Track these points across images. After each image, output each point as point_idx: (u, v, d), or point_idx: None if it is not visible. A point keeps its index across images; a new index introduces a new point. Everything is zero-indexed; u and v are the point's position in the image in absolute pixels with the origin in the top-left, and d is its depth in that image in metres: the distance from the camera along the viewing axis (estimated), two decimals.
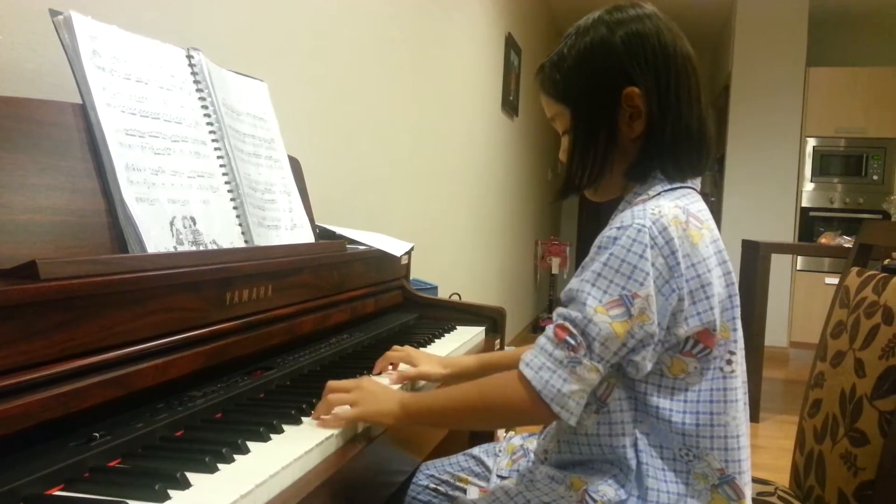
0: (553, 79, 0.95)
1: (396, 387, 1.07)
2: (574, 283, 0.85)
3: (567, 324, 0.83)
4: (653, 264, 0.82)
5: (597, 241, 0.86)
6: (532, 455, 1.08)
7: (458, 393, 0.94)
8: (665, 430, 0.87)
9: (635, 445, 0.88)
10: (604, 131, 0.91)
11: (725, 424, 0.87)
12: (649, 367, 0.85)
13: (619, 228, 0.84)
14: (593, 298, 0.82)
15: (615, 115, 0.90)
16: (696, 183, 0.94)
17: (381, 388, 0.95)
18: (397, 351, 1.17)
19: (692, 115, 0.91)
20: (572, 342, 0.82)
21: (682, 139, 0.90)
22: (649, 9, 0.93)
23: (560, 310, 0.85)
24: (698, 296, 0.84)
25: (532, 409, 0.83)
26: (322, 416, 0.88)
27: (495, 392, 0.88)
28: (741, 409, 0.89)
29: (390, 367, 1.16)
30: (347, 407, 0.89)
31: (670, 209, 0.85)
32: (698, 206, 0.89)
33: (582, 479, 0.90)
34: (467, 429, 1.19)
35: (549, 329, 0.85)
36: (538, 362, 0.83)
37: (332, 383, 0.93)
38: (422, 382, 1.16)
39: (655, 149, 0.90)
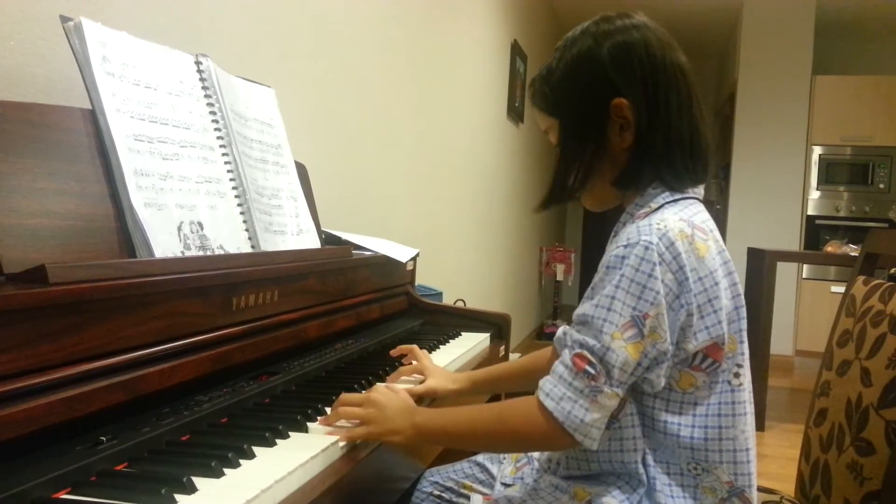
0: (543, 92, 0.96)
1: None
2: (588, 309, 0.84)
3: (585, 352, 0.82)
4: (662, 281, 0.81)
5: (605, 261, 0.85)
6: (536, 463, 1.08)
7: (475, 416, 0.92)
8: (672, 445, 0.87)
9: (644, 460, 0.88)
10: (592, 142, 0.91)
11: (734, 438, 0.86)
12: (663, 382, 0.85)
13: (626, 247, 0.83)
14: (609, 324, 0.81)
15: (604, 126, 0.90)
16: (699, 192, 0.93)
17: (394, 406, 0.92)
18: (411, 362, 1.17)
19: (683, 125, 0.90)
20: (592, 371, 0.81)
21: (675, 148, 0.89)
22: (638, 19, 0.92)
23: (575, 336, 0.84)
24: (706, 310, 0.84)
25: (555, 439, 0.83)
26: (332, 424, 0.88)
27: (516, 420, 0.87)
28: (749, 423, 0.88)
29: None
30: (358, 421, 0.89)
31: (675, 222, 0.84)
32: (702, 217, 0.89)
33: (586, 490, 0.89)
34: (481, 451, 1.19)
35: (567, 357, 0.84)
36: (558, 392, 0.82)
37: (345, 396, 0.92)
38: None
39: (646, 158, 0.90)
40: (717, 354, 0.85)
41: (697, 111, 0.92)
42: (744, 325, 0.89)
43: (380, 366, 1.20)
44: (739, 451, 0.87)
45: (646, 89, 0.89)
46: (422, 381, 1.14)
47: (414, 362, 1.18)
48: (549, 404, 0.82)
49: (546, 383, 0.84)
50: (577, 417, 0.81)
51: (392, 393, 0.95)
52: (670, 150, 0.89)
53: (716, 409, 0.86)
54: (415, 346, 1.21)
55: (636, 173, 0.91)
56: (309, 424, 0.88)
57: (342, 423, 0.89)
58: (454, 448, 1.18)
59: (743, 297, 0.89)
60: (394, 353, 1.22)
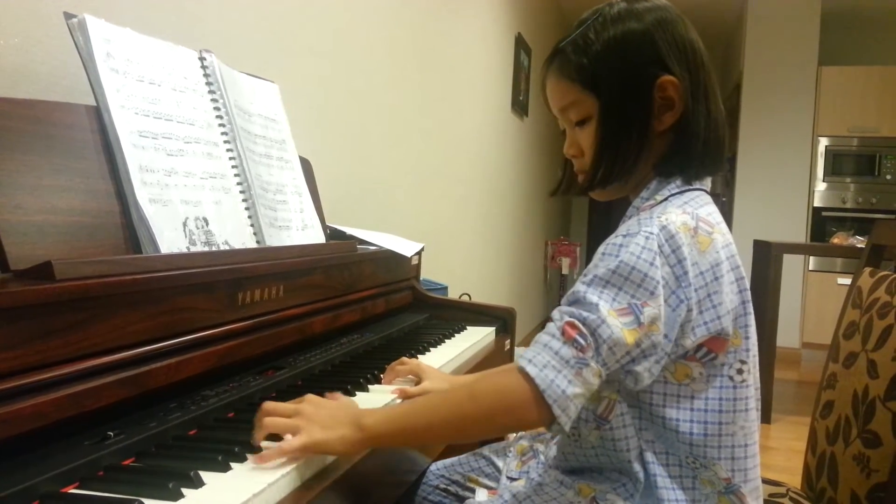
0: (579, 64, 0.90)
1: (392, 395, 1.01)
2: (580, 287, 0.80)
3: (577, 322, 0.77)
4: (661, 273, 0.79)
5: (601, 249, 0.83)
6: (542, 457, 1.08)
7: (442, 401, 0.83)
8: (672, 438, 0.86)
9: (641, 458, 0.87)
10: (636, 123, 0.88)
11: (733, 434, 0.85)
12: (648, 380, 0.81)
13: (625, 236, 0.81)
14: (604, 303, 0.78)
15: (648, 107, 0.87)
16: (706, 183, 0.92)
17: (331, 409, 0.81)
18: (404, 364, 1.13)
19: (719, 110, 0.89)
20: (582, 342, 0.77)
21: (711, 133, 0.88)
22: (663, 1, 0.92)
23: (566, 308, 0.80)
24: (705, 305, 0.82)
25: (531, 410, 0.76)
26: (261, 453, 0.74)
27: (491, 394, 0.80)
28: (752, 419, 0.87)
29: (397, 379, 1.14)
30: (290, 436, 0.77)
31: (678, 216, 0.82)
32: (708, 210, 0.87)
33: (591, 486, 0.89)
34: (448, 442, 1.07)
35: (553, 326, 0.79)
36: (542, 360, 0.77)
37: (268, 405, 0.80)
38: None
39: (686, 143, 0.88)
40: (716, 346, 0.84)
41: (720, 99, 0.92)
42: (750, 320, 0.87)
43: (385, 360, 1.19)
44: (738, 448, 0.86)
45: (689, 70, 0.87)
46: (417, 384, 1.11)
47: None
48: (531, 370, 0.76)
49: (528, 351, 0.79)
50: (560, 388, 0.75)
51: (326, 399, 0.85)
52: (708, 135, 0.88)
53: (716, 404, 0.85)
54: (403, 359, 1.14)
55: (677, 158, 0.88)
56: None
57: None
58: (417, 445, 1.04)
59: (749, 292, 0.87)
60: (386, 382, 1.11)
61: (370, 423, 0.79)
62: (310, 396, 0.84)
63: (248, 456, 0.75)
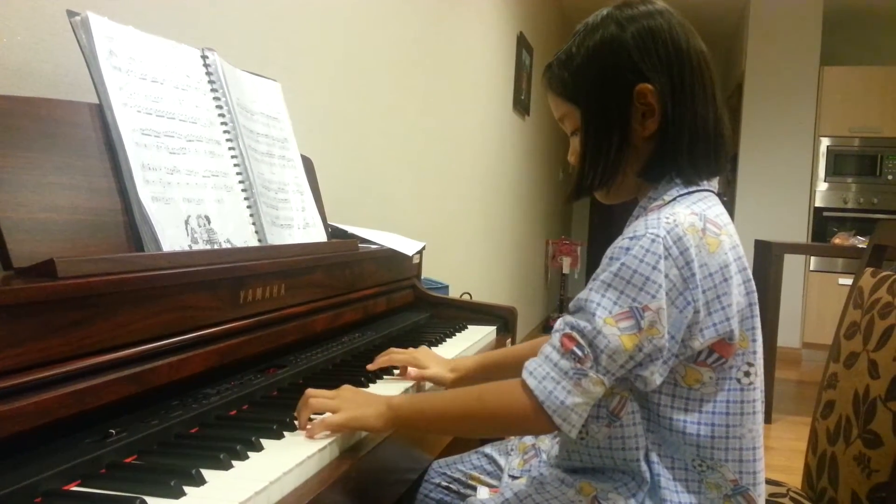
0: (562, 78, 0.93)
1: (403, 387, 1.06)
2: (583, 293, 0.83)
3: (574, 333, 0.80)
4: (666, 276, 0.80)
5: (608, 252, 0.83)
6: (544, 455, 1.08)
7: (455, 397, 0.93)
8: (678, 441, 0.86)
9: (648, 458, 0.87)
10: (616, 130, 0.89)
11: (741, 437, 0.85)
12: (658, 381, 0.83)
13: (631, 238, 0.81)
14: (603, 309, 0.80)
15: (627, 114, 0.88)
16: (714, 184, 0.91)
17: (365, 393, 0.93)
18: (402, 353, 1.14)
19: (708, 113, 0.89)
20: (579, 353, 0.79)
21: (699, 137, 0.88)
22: (660, 5, 0.91)
23: (567, 318, 0.83)
24: (714, 306, 0.82)
25: (533, 419, 0.81)
26: (306, 426, 0.84)
27: (496, 399, 0.86)
28: (758, 421, 0.87)
29: (395, 370, 1.15)
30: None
31: (686, 217, 0.82)
32: (716, 211, 0.87)
33: (592, 485, 0.89)
34: (462, 435, 1.16)
35: (555, 338, 0.82)
36: (542, 372, 0.81)
37: (310, 391, 0.89)
38: (428, 385, 1.15)
39: (670, 147, 0.88)
40: (725, 350, 0.84)
41: (720, 100, 0.91)
42: (757, 322, 0.87)
43: None
44: (746, 450, 0.86)
45: (671, 75, 0.87)
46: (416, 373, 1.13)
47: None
48: (531, 382, 0.81)
49: (531, 362, 0.83)
50: (558, 399, 0.79)
51: (380, 383, 0.97)
52: (694, 140, 0.88)
53: (723, 406, 0.85)
54: (393, 349, 1.16)
55: (661, 163, 0.89)
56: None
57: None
58: (433, 433, 1.12)
59: (756, 294, 0.87)
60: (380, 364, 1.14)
61: (397, 404, 0.89)
62: (346, 386, 0.94)
63: (250, 454, 0.75)
